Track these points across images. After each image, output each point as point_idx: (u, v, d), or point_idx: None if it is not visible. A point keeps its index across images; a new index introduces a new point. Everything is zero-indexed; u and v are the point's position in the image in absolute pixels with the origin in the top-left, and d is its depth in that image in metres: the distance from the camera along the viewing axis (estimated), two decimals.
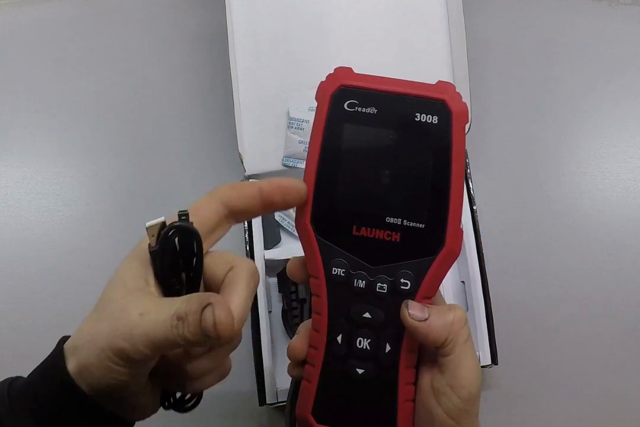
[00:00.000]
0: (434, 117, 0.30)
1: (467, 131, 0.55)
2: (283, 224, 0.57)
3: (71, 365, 0.28)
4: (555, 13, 0.68)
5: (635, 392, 0.57)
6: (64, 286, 0.58)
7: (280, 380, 0.52)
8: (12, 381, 0.30)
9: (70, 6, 0.67)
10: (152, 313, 0.27)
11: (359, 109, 0.30)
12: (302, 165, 0.55)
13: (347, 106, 0.30)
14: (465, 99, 0.55)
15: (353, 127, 0.30)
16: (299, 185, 0.31)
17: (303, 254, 0.33)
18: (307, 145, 0.56)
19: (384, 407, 0.32)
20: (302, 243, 0.32)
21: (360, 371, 0.32)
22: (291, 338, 0.51)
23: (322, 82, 0.31)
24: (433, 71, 0.57)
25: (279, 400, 0.51)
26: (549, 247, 0.60)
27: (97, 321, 0.29)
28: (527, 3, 0.68)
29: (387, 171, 0.30)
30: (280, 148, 0.56)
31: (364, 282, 0.31)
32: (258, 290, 0.52)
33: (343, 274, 0.31)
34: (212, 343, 0.29)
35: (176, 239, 0.29)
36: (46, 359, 0.30)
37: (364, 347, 0.31)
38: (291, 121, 0.55)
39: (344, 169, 0.31)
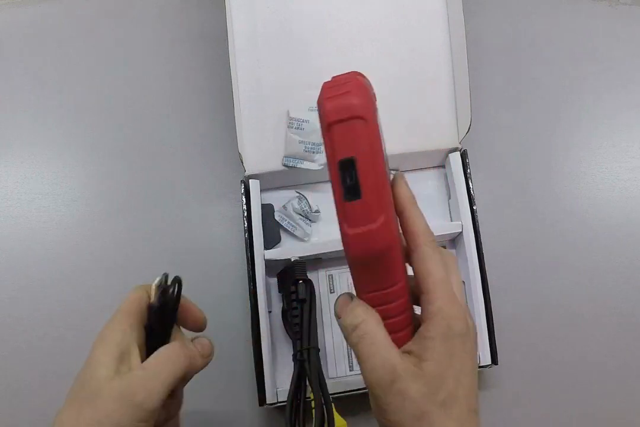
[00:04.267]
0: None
1: (467, 131, 0.56)
2: (283, 224, 0.57)
3: None
4: (556, 13, 0.68)
5: (635, 393, 0.57)
6: (64, 286, 0.58)
7: (280, 380, 0.52)
8: None
9: (70, 6, 0.67)
10: (150, 361, 0.35)
11: None
12: (302, 165, 0.55)
13: None
14: (465, 98, 0.55)
15: None
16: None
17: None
18: (308, 146, 0.56)
19: None
20: (379, 266, 0.32)
21: None
22: (291, 338, 0.52)
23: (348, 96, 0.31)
24: (433, 71, 0.57)
25: (279, 400, 0.51)
26: (549, 247, 0.60)
27: (94, 407, 0.32)
28: (527, 3, 0.68)
29: None
30: (280, 148, 0.56)
31: None
32: (258, 290, 0.52)
33: None
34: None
35: (175, 291, 0.37)
36: None
37: None
38: (291, 121, 0.55)
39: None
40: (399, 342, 0.33)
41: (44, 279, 0.58)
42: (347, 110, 0.29)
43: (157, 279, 0.38)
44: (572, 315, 0.58)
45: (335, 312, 0.34)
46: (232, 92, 0.54)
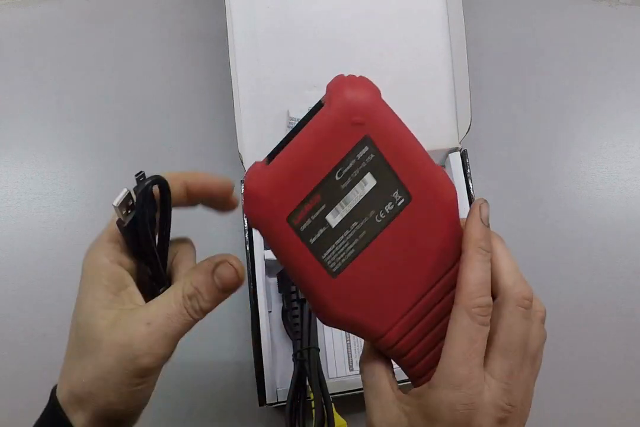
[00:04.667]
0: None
1: (467, 131, 0.56)
2: None
3: (80, 419, 0.29)
4: (555, 13, 0.68)
5: (635, 393, 0.57)
6: (64, 286, 0.58)
7: (280, 380, 0.52)
8: None
9: (70, 6, 0.67)
10: (158, 314, 0.28)
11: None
12: None
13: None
14: (465, 98, 0.55)
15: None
16: (224, 183, 0.32)
17: None
18: None
19: None
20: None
21: None
22: (291, 338, 0.51)
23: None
24: (433, 71, 0.57)
25: (279, 400, 0.51)
26: (549, 247, 0.60)
27: (95, 361, 0.28)
28: (527, 3, 0.68)
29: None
30: None
31: None
32: (258, 290, 0.52)
33: None
34: (226, 297, 0.30)
35: (152, 192, 0.30)
36: (44, 417, 0.30)
37: None
38: (291, 121, 0.55)
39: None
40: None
41: (44, 279, 0.58)
42: None
43: (121, 193, 0.29)
44: (572, 315, 0.58)
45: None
46: (232, 92, 0.54)
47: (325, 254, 0.28)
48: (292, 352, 0.51)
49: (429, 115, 0.57)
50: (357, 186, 0.27)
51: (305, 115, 0.27)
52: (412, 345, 0.31)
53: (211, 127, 0.62)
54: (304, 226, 0.27)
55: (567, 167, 0.63)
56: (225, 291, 0.29)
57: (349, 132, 0.26)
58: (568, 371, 0.57)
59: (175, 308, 0.29)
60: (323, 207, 0.27)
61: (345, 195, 0.27)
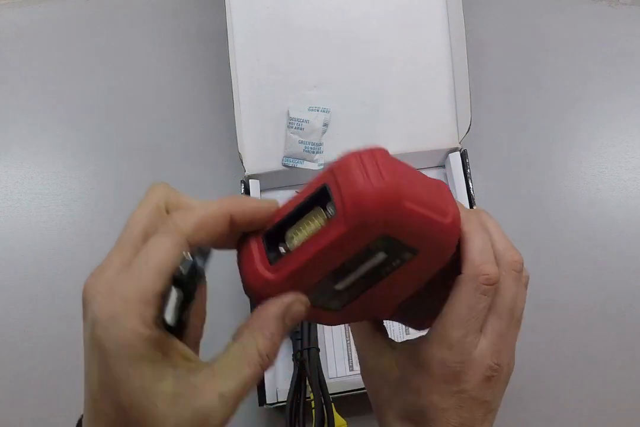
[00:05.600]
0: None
1: (467, 131, 0.56)
2: None
3: None
4: (555, 13, 0.68)
5: (635, 393, 0.57)
6: (64, 286, 0.58)
7: (280, 380, 0.52)
8: None
9: (70, 6, 0.67)
10: (231, 383, 0.24)
11: None
12: (302, 165, 0.55)
13: None
14: (465, 98, 0.55)
15: None
16: (272, 207, 0.26)
17: None
18: (308, 146, 0.56)
19: None
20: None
21: None
22: (291, 338, 0.51)
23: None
24: (433, 71, 0.57)
25: (279, 400, 0.51)
26: (549, 247, 0.60)
27: None
28: (527, 3, 0.68)
29: None
30: (280, 148, 0.56)
31: None
32: None
33: None
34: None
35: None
36: None
37: None
38: (291, 121, 0.55)
39: None
40: None
41: (44, 279, 0.58)
42: None
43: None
44: (573, 315, 0.58)
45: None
46: (232, 92, 0.54)
47: (329, 305, 0.28)
48: (292, 352, 0.51)
49: (429, 115, 0.57)
50: (367, 262, 0.25)
51: (307, 199, 0.24)
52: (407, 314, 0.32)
53: (211, 127, 0.62)
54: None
55: (567, 167, 0.63)
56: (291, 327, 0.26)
57: (365, 236, 0.24)
58: (568, 371, 0.57)
59: (250, 371, 0.24)
60: (329, 282, 0.26)
61: (354, 270, 0.26)
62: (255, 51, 0.56)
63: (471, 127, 0.55)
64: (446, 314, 0.29)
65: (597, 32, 0.67)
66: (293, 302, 0.25)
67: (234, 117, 0.54)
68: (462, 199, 0.56)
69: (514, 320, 0.30)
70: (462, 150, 0.57)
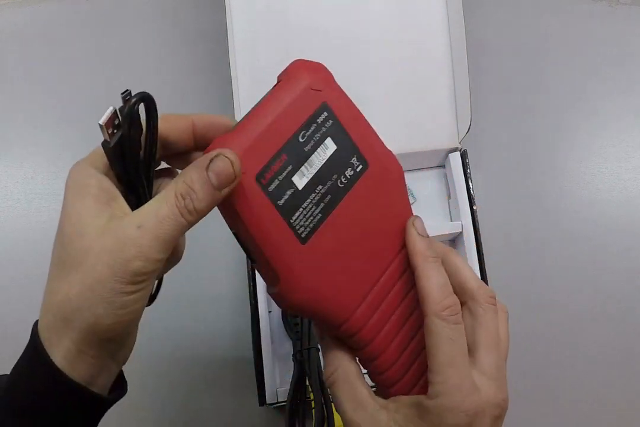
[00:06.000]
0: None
1: (467, 131, 0.56)
2: None
3: (65, 344, 0.27)
4: (555, 13, 0.68)
5: (634, 394, 0.57)
6: None
7: (280, 380, 0.52)
8: None
9: (70, 6, 0.67)
10: (150, 216, 0.27)
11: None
12: None
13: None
14: (465, 98, 0.55)
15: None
16: (227, 121, 0.31)
17: None
18: None
19: None
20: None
21: None
22: (291, 338, 0.51)
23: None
24: (433, 71, 0.57)
25: (279, 400, 0.51)
26: (549, 247, 0.60)
27: (84, 272, 0.27)
28: (527, 3, 0.68)
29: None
30: None
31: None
32: (258, 290, 0.52)
33: None
34: (221, 196, 0.27)
35: (138, 111, 0.28)
36: (24, 353, 0.30)
37: None
38: None
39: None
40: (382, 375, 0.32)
41: (44, 279, 0.58)
42: None
43: (108, 112, 0.28)
44: (573, 315, 0.58)
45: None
46: (232, 92, 0.54)
47: (294, 218, 0.28)
48: (292, 352, 0.51)
49: (429, 115, 0.57)
50: (319, 149, 0.28)
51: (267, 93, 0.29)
52: (377, 330, 0.31)
53: None
54: (272, 186, 0.27)
55: (567, 167, 0.63)
56: (221, 186, 0.27)
57: (308, 99, 0.28)
58: (568, 371, 0.57)
59: (167, 209, 0.26)
60: (289, 168, 0.28)
61: (309, 157, 0.28)
62: (255, 51, 0.56)
63: (471, 127, 0.55)
64: (432, 359, 0.29)
65: (597, 32, 0.67)
66: (217, 155, 0.27)
67: (234, 117, 0.54)
68: (462, 199, 0.56)
69: (502, 352, 0.31)
70: (462, 150, 0.57)
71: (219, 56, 0.56)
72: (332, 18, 0.56)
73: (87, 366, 0.27)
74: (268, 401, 0.50)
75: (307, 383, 0.48)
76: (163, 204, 0.27)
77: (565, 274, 0.59)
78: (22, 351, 0.30)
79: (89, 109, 0.64)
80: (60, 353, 0.27)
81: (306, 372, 0.48)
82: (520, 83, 0.65)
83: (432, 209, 0.59)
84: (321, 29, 0.56)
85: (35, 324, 0.29)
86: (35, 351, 0.28)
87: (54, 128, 0.63)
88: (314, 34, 0.56)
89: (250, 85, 0.55)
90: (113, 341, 0.28)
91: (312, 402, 0.46)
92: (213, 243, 0.59)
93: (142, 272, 0.26)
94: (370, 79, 0.56)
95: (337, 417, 0.47)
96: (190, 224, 0.27)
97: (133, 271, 0.26)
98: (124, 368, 0.31)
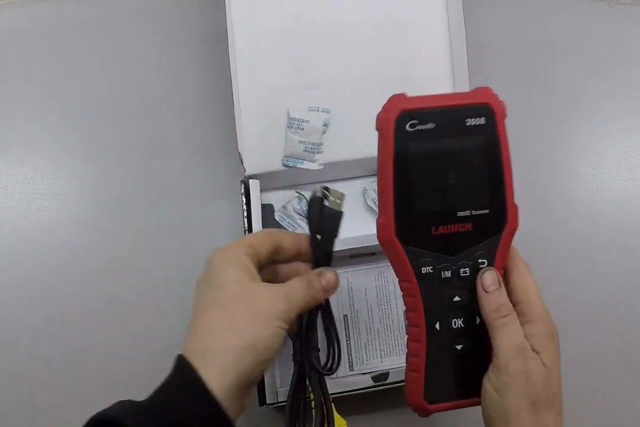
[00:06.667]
0: (481, 118, 0.37)
1: None
2: (283, 224, 0.57)
3: (214, 374, 0.32)
4: (555, 13, 0.68)
5: (634, 394, 0.57)
6: (64, 286, 0.58)
7: (280, 380, 0.52)
8: (128, 402, 0.31)
9: (70, 6, 0.67)
10: (295, 289, 0.37)
11: (420, 127, 0.35)
12: (302, 165, 0.55)
13: (409, 127, 0.35)
14: None
15: (417, 144, 0.35)
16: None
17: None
18: (308, 146, 0.56)
19: (481, 369, 0.36)
20: (388, 255, 0.37)
21: (459, 347, 0.38)
22: (291, 338, 0.51)
23: (382, 111, 0.36)
24: (433, 72, 0.57)
25: (279, 400, 0.51)
26: (549, 247, 0.60)
27: (244, 310, 0.34)
28: (527, 3, 0.68)
29: (452, 173, 0.36)
30: (280, 148, 0.56)
31: (449, 271, 0.37)
32: None
33: (432, 271, 0.36)
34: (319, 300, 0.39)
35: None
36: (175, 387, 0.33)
37: (459, 326, 0.37)
38: (291, 121, 0.55)
39: (416, 182, 0.35)
40: None
41: (44, 279, 0.58)
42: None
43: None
44: (572, 315, 0.58)
45: (482, 286, 0.37)
46: (232, 92, 0.54)
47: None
48: (292, 352, 0.51)
49: None
50: None
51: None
52: None
53: (211, 127, 0.62)
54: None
55: (567, 167, 0.63)
56: (327, 290, 0.38)
57: None
58: (569, 371, 0.57)
59: (298, 282, 0.37)
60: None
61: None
62: (255, 51, 0.56)
63: None
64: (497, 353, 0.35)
65: (597, 32, 0.67)
66: (323, 271, 0.38)
67: (234, 117, 0.54)
68: None
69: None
70: None
71: (219, 56, 0.56)
72: (331, 17, 0.56)
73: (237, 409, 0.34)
74: (268, 401, 0.50)
75: (307, 383, 0.48)
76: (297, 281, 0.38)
77: (565, 273, 0.59)
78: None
79: (89, 109, 0.64)
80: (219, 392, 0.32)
81: (306, 372, 0.48)
82: (520, 83, 0.65)
83: None
84: (321, 29, 0.56)
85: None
86: (194, 385, 0.32)
87: (54, 128, 0.63)
88: (314, 33, 0.56)
89: (250, 85, 0.55)
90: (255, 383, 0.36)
91: (312, 402, 0.46)
92: (213, 243, 0.58)
93: (286, 314, 0.36)
94: (370, 79, 0.56)
95: (337, 417, 0.47)
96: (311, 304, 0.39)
97: (282, 310, 0.36)
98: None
